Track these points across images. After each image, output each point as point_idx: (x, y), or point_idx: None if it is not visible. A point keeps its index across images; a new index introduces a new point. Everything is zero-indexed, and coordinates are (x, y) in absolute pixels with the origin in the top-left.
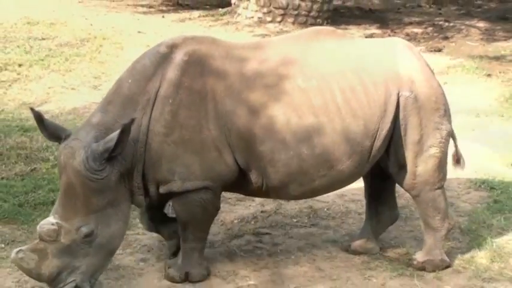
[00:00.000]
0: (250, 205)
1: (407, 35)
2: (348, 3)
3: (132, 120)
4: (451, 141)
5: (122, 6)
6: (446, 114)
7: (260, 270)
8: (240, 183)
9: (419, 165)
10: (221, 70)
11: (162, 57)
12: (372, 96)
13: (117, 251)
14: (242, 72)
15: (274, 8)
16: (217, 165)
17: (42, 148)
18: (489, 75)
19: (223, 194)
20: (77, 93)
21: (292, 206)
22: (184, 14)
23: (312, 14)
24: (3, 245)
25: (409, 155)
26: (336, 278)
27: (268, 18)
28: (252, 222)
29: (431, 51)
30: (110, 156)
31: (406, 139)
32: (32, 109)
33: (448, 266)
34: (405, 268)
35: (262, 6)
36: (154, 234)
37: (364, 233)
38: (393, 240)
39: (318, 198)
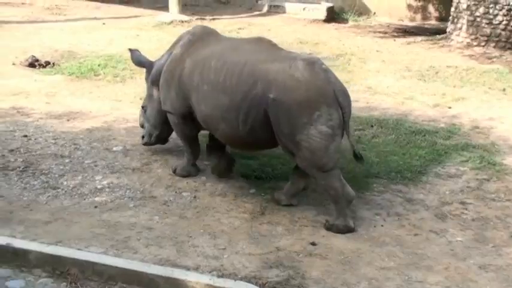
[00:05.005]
0: (458, 181)
1: None
2: None
3: (132, 50)
4: None
5: (365, 32)
6: (322, 117)
7: (465, 230)
8: (205, 128)
9: (299, 152)
10: (197, 51)
11: (187, 33)
12: (241, 85)
13: None
14: (202, 54)
15: (480, 35)
16: (173, 102)
17: None
18: None
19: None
20: None
21: (491, 185)
22: (410, 39)
23: (510, 40)
24: None
25: (288, 144)
26: None
27: (475, 43)
28: (460, 194)
29: None
30: (140, 66)
31: (281, 131)
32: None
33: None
34: None
35: (471, 34)
36: None
37: (288, 189)
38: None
39: None
